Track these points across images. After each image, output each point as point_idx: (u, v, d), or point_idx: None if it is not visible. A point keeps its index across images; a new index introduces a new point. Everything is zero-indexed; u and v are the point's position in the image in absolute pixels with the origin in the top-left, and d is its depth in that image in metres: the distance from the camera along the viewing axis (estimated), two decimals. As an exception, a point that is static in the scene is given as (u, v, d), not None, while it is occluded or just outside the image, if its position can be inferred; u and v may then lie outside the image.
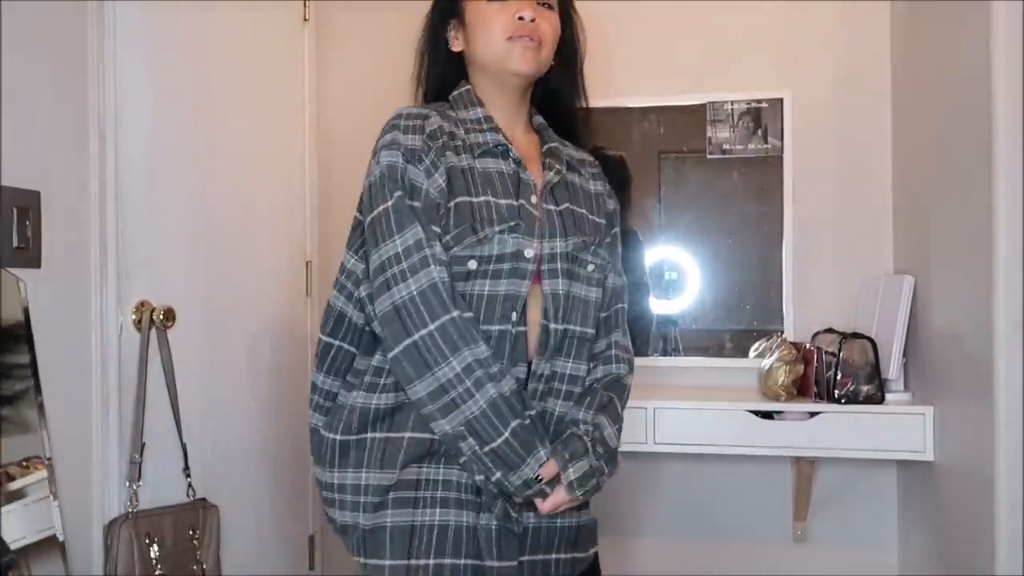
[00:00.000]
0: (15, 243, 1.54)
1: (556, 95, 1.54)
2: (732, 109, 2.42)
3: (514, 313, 1.34)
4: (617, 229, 1.56)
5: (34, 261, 1.58)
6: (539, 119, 1.53)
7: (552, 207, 1.41)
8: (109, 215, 1.75)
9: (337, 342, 1.42)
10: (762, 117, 2.40)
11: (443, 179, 1.34)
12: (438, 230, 1.33)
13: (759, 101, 2.41)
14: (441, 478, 1.34)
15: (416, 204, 1.33)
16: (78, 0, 1.70)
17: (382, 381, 1.36)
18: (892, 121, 2.35)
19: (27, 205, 1.57)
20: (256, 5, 2.29)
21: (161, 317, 1.83)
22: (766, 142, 2.40)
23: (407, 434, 1.34)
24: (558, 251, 1.39)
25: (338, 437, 1.37)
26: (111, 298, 1.75)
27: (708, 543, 2.49)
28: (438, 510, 1.33)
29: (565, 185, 1.46)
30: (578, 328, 1.42)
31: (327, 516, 1.42)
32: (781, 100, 2.39)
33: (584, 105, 1.56)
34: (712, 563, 2.49)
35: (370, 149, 1.40)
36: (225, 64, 2.16)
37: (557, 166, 1.45)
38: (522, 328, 1.35)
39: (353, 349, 1.41)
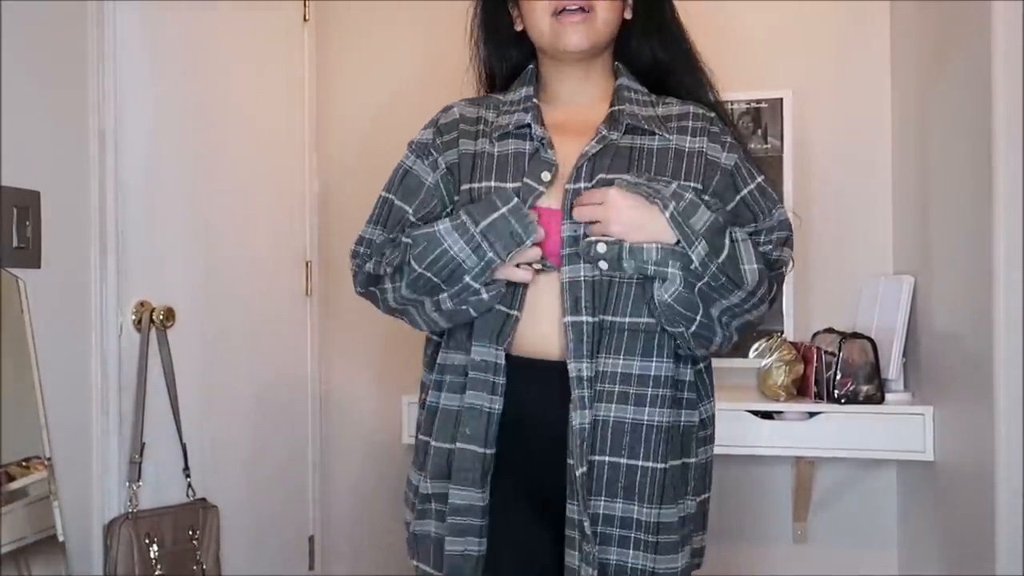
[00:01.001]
0: (15, 243, 1.54)
1: (637, 53, 1.41)
2: (732, 109, 2.41)
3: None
4: (743, 193, 1.34)
5: (34, 261, 1.58)
6: (621, 80, 1.37)
7: (583, 184, 1.26)
8: (109, 215, 1.75)
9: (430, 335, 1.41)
10: (762, 117, 2.40)
11: (444, 170, 1.35)
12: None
13: (759, 101, 2.40)
14: (460, 502, 1.26)
15: (397, 201, 1.36)
16: (78, 0, 1.70)
17: (432, 377, 1.35)
18: (892, 121, 2.34)
19: (27, 205, 1.57)
20: (256, 5, 2.29)
21: (161, 317, 1.83)
22: (766, 142, 2.40)
23: (432, 441, 1.31)
24: (580, 233, 1.24)
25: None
26: (111, 298, 1.75)
27: (707, 543, 2.49)
28: (458, 538, 1.26)
29: (616, 152, 1.29)
30: (626, 319, 1.25)
31: None
32: (781, 100, 2.38)
33: (684, 49, 1.44)
34: (712, 563, 2.47)
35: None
36: (225, 64, 2.16)
37: (604, 133, 1.29)
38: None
39: (436, 338, 1.38)
